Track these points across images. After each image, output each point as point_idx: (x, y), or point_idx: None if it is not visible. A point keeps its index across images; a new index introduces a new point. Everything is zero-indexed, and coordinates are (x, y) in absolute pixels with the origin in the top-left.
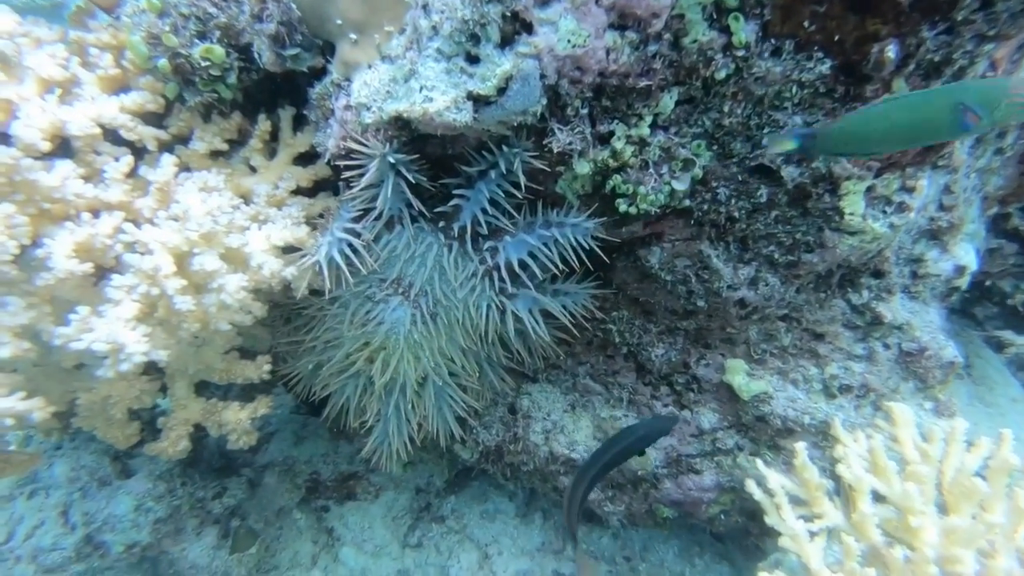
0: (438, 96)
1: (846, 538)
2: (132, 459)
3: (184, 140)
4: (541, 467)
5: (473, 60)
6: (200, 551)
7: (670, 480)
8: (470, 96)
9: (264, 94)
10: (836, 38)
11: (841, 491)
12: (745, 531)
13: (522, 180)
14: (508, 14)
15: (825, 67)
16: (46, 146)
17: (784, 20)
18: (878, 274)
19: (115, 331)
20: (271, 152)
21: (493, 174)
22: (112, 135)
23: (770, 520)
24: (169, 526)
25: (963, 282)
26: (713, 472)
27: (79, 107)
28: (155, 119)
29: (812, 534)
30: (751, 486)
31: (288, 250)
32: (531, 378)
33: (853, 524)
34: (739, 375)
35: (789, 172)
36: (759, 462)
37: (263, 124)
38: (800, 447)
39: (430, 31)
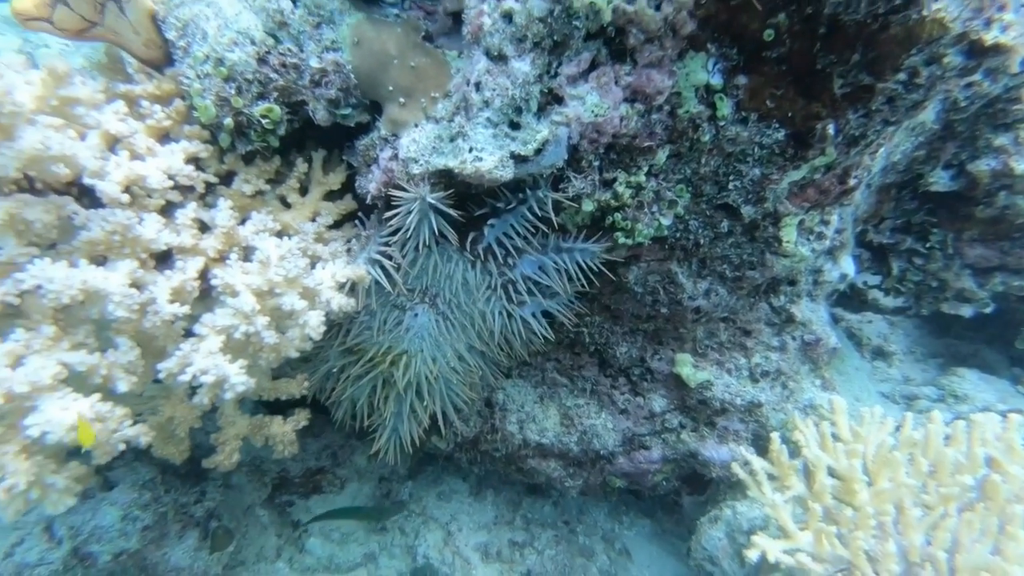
0: (487, 156)
1: (811, 504)
2: (111, 471)
3: (223, 179)
4: (513, 453)
5: (514, 126)
6: (182, 553)
7: (624, 456)
8: (512, 155)
9: (295, 137)
10: (789, 114)
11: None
12: (673, 491)
13: (553, 217)
14: (545, 90)
15: (780, 135)
16: (126, 199)
17: (751, 98)
18: (792, 282)
19: (218, 364)
20: (303, 189)
21: (524, 209)
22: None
23: (752, 493)
24: (155, 532)
25: (844, 286)
26: (660, 447)
27: (152, 161)
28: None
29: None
30: (736, 468)
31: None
32: (504, 374)
33: (814, 493)
34: (686, 367)
35: (747, 210)
36: (742, 448)
37: (301, 166)
38: (775, 436)
39: (481, 104)
